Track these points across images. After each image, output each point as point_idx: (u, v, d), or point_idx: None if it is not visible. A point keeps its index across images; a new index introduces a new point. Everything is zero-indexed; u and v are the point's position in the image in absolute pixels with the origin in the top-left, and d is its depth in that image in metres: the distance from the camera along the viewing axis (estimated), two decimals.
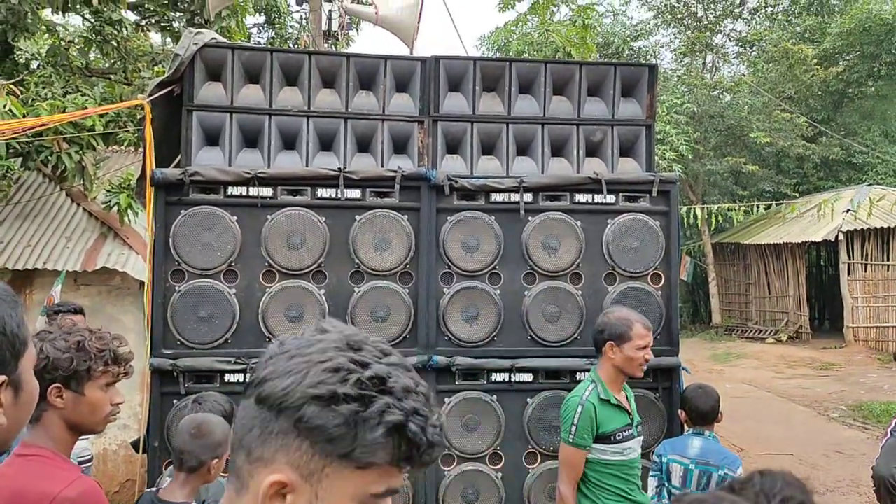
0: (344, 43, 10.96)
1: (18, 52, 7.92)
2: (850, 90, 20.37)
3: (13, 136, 5.18)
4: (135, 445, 3.26)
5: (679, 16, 21.40)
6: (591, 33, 13.79)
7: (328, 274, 3.16)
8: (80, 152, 6.09)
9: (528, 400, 3.22)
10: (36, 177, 7.10)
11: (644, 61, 18.73)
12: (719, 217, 13.93)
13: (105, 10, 7.43)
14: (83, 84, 7.15)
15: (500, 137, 3.40)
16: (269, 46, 10.47)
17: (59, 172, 6.26)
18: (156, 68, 7.71)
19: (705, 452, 3.01)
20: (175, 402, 2.98)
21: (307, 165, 3.24)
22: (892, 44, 18.50)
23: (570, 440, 2.73)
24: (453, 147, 3.39)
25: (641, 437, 2.91)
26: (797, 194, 19.69)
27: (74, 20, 9.90)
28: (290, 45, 12.29)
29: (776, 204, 16.23)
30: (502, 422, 3.18)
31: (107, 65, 8.38)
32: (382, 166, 3.28)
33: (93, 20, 7.73)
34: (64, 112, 5.67)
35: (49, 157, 5.97)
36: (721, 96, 20.31)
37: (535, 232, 3.25)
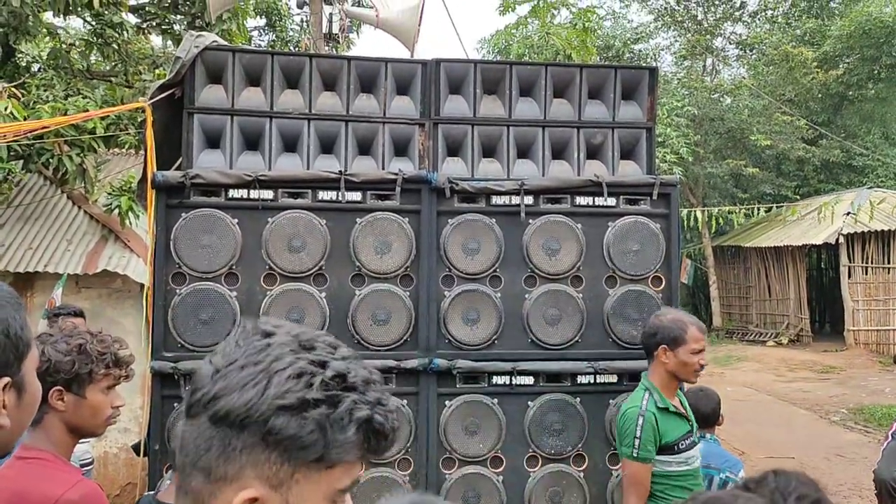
0: (344, 46, 10.97)
1: (20, 55, 7.93)
2: (851, 93, 20.39)
3: (14, 138, 5.19)
4: (135, 448, 3.26)
5: (679, 19, 21.43)
6: (592, 36, 13.80)
7: (329, 277, 3.16)
8: (81, 155, 6.10)
9: (529, 403, 3.21)
10: (37, 179, 7.11)
11: (644, 64, 18.75)
12: (720, 220, 13.95)
13: (106, 13, 7.45)
14: (84, 87, 7.15)
15: (501, 140, 3.40)
16: (270, 49, 10.49)
17: (60, 175, 6.27)
18: (157, 71, 7.73)
19: (707, 455, 3.01)
20: (176, 405, 2.98)
21: (308, 168, 3.24)
22: (893, 46, 18.53)
23: (635, 455, 2.57)
24: (454, 150, 3.39)
25: (701, 443, 2.81)
26: (798, 197, 19.70)
27: (75, 23, 9.92)
28: (291, 48, 12.31)
29: (776, 207, 16.24)
30: (503, 425, 3.18)
31: (108, 67, 8.39)
32: (383, 169, 3.28)
33: (94, 23, 7.74)
34: (65, 115, 5.68)
35: (50, 160, 5.98)
36: (721, 99, 20.34)
37: (536, 234, 3.25)
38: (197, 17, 8.13)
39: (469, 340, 3.19)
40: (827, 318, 19.56)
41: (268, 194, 3.13)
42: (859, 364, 13.87)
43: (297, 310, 3.10)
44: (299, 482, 0.78)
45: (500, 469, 3.20)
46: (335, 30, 8.91)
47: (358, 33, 13.33)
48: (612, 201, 3.31)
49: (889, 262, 15.33)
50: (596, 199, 3.30)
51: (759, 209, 15.42)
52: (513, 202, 3.25)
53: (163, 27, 8.38)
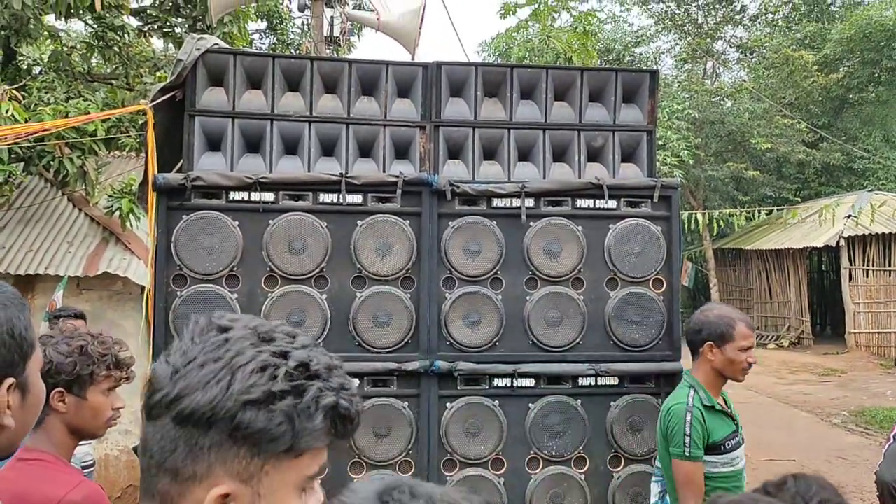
0: (345, 49, 10.99)
1: (21, 58, 7.95)
2: (851, 96, 20.41)
3: (15, 140, 5.20)
4: (136, 451, 3.26)
5: (679, 22, 21.47)
6: (592, 39, 13.82)
7: (330, 279, 3.16)
8: (82, 157, 6.11)
9: (531, 405, 3.21)
10: (38, 182, 7.12)
11: (645, 67, 18.77)
12: (720, 222, 13.95)
13: (107, 15, 7.46)
14: (85, 89, 7.17)
15: (502, 143, 3.40)
16: (271, 52, 10.51)
17: (61, 177, 6.28)
18: (158, 74, 7.74)
19: None
20: None
21: (309, 170, 3.24)
22: (893, 50, 18.55)
23: (687, 454, 2.45)
24: (455, 152, 3.40)
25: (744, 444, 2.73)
26: (798, 200, 19.70)
27: (77, 26, 9.94)
28: (292, 51, 12.33)
29: (777, 209, 16.24)
30: (504, 427, 3.18)
31: (109, 70, 8.41)
32: (384, 171, 3.29)
33: (95, 26, 7.76)
34: (66, 117, 5.68)
35: (51, 162, 5.99)
36: (722, 102, 20.35)
37: (537, 237, 3.25)
38: (198, 20, 8.15)
39: (470, 342, 3.19)
40: (828, 321, 19.55)
41: (269, 196, 3.14)
42: (860, 367, 13.85)
43: (297, 312, 3.10)
44: (269, 473, 0.78)
45: (502, 471, 3.19)
46: (336, 33, 8.92)
47: (359, 36, 13.36)
48: (612, 204, 3.31)
49: (890, 265, 15.33)
50: (597, 201, 3.30)
51: (759, 212, 15.42)
52: (514, 204, 3.25)
53: (164, 30, 8.40)
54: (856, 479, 6.80)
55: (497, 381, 3.20)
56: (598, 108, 3.48)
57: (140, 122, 6.17)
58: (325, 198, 3.17)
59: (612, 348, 3.26)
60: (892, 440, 2.59)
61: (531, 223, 3.26)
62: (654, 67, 18.58)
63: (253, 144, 3.27)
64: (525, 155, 3.43)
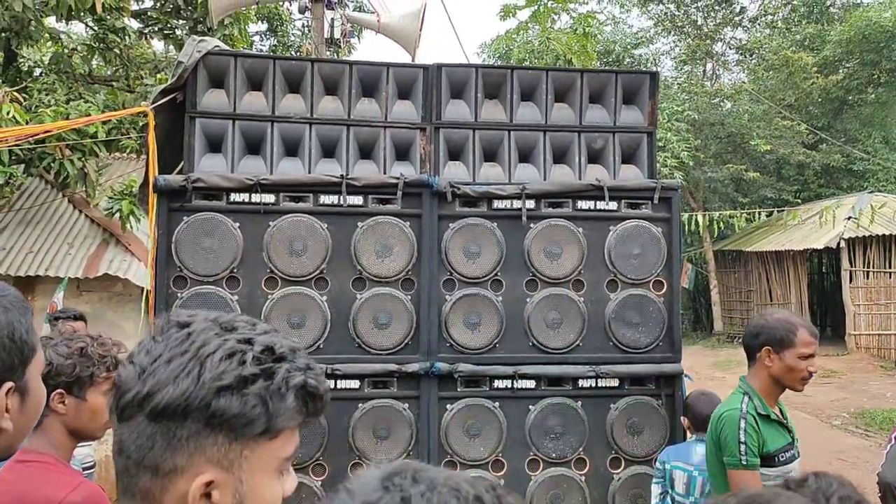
0: (346, 51, 11.00)
1: (22, 60, 7.95)
2: (851, 97, 20.42)
3: (16, 142, 5.20)
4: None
5: (679, 24, 21.48)
6: (592, 41, 13.83)
7: (330, 280, 3.16)
8: (83, 159, 6.11)
9: (531, 407, 3.21)
10: (38, 183, 7.12)
11: (645, 69, 18.79)
12: (721, 224, 13.95)
13: (108, 18, 7.47)
14: (86, 91, 7.18)
15: (502, 144, 3.40)
16: (272, 54, 10.52)
17: (62, 179, 6.28)
18: (158, 76, 7.75)
19: None
20: None
21: (309, 172, 3.25)
22: (892, 51, 18.55)
23: (744, 462, 2.31)
24: (455, 154, 3.40)
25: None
26: (798, 201, 19.69)
27: (78, 28, 9.95)
28: (292, 53, 12.34)
29: (777, 211, 16.23)
30: (504, 429, 3.18)
31: (110, 72, 8.42)
32: (385, 173, 3.29)
33: (96, 28, 7.77)
34: (67, 119, 5.69)
35: (51, 164, 6.00)
36: (721, 104, 20.36)
37: (537, 239, 3.26)
38: (199, 23, 8.16)
39: (470, 344, 3.19)
40: (828, 323, 19.54)
41: (269, 198, 3.14)
42: (860, 368, 13.85)
43: (298, 313, 3.10)
44: (248, 458, 0.81)
45: (502, 473, 3.19)
46: (336, 35, 8.93)
47: (359, 38, 13.36)
48: (613, 205, 3.31)
49: (890, 267, 15.32)
50: (597, 203, 3.30)
51: (759, 213, 15.42)
52: (514, 206, 3.25)
53: (165, 32, 8.41)
54: (856, 480, 6.76)
55: (497, 383, 3.20)
56: (599, 109, 3.48)
57: (141, 123, 6.18)
58: (326, 199, 3.17)
59: (613, 350, 3.26)
60: (893, 441, 2.58)
61: (531, 225, 3.26)
62: (654, 69, 18.58)
63: (253, 146, 3.28)
64: (525, 156, 3.43)
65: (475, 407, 3.18)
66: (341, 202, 3.16)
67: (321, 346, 3.10)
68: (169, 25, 8.40)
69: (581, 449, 3.20)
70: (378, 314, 3.14)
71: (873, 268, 15.39)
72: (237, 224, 3.11)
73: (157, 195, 3.09)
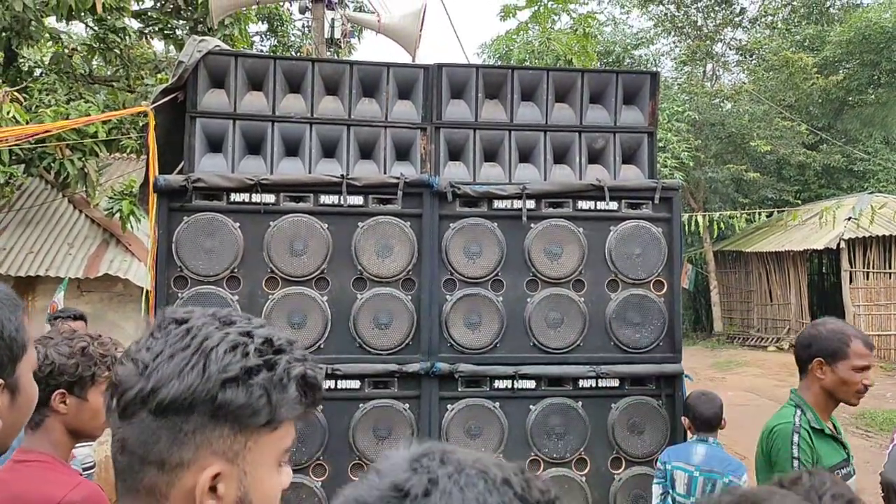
0: (346, 51, 11.00)
1: (22, 60, 7.95)
2: (851, 98, 20.42)
3: (16, 142, 5.20)
4: None
5: (679, 24, 21.48)
6: (592, 42, 13.84)
7: (331, 280, 3.16)
8: (83, 159, 6.11)
9: (531, 407, 3.21)
10: (38, 183, 7.12)
11: (645, 69, 18.76)
12: (721, 224, 13.94)
13: (108, 18, 7.47)
14: (86, 91, 7.18)
15: (503, 144, 3.40)
16: (272, 54, 10.51)
17: (62, 179, 6.29)
18: (159, 76, 7.75)
19: (709, 459, 3.00)
20: None
21: (310, 172, 3.24)
22: (892, 51, 18.56)
23: None
24: (456, 154, 3.40)
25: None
26: (799, 202, 19.69)
27: (78, 28, 9.95)
28: (293, 53, 12.34)
29: (778, 211, 16.23)
30: (505, 429, 3.17)
31: (110, 72, 8.42)
32: (385, 173, 3.29)
33: (96, 28, 7.77)
34: (67, 119, 5.69)
35: (52, 164, 6.00)
36: (721, 104, 20.36)
37: (538, 239, 3.25)
38: (199, 23, 8.17)
39: (471, 344, 3.19)
40: None
41: (270, 198, 3.14)
42: None
43: (298, 313, 3.10)
44: (252, 450, 0.82)
45: None
46: (337, 35, 8.93)
47: (359, 38, 13.37)
48: (613, 205, 3.31)
49: (890, 267, 15.32)
50: (598, 203, 3.30)
51: (760, 214, 15.40)
52: (515, 206, 3.25)
53: (165, 32, 8.42)
54: (856, 480, 6.78)
55: (498, 383, 3.19)
56: (599, 109, 3.48)
57: (141, 123, 6.18)
58: (326, 199, 3.17)
59: (613, 350, 3.26)
60: (895, 441, 2.58)
61: (532, 225, 3.26)
62: (655, 69, 18.58)
63: (254, 146, 3.28)
64: (526, 156, 3.43)
65: (476, 407, 3.17)
66: (342, 202, 3.16)
67: (322, 346, 3.10)
68: (169, 25, 8.40)
69: (582, 449, 3.20)
70: (379, 314, 3.14)
71: (873, 268, 15.39)
72: (237, 224, 3.11)
73: (158, 195, 3.09)
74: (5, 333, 1.00)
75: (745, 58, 22.17)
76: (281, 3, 11.06)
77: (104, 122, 6.11)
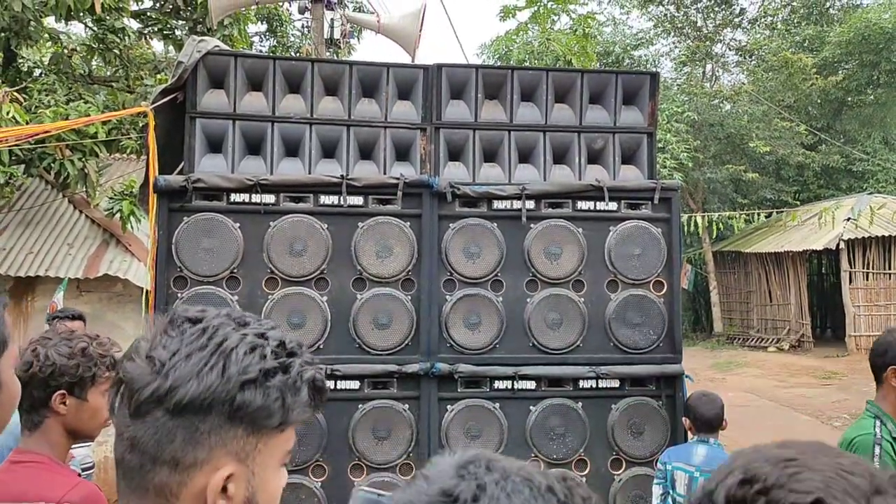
0: (345, 51, 11.00)
1: (21, 60, 7.95)
2: (850, 98, 20.43)
3: (16, 142, 5.20)
4: None
5: (679, 25, 21.50)
6: (592, 42, 13.84)
7: (330, 281, 3.16)
8: (83, 159, 6.11)
9: (531, 408, 3.21)
10: (38, 184, 7.12)
11: (645, 70, 18.78)
12: (720, 225, 13.95)
13: (108, 18, 7.47)
14: (86, 92, 7.18)
15: (502, 145, 3.40)
16: (272, 54, 10.52)
17: (62, 179, 6.28)
18: (158, 76, 7.75)
19: (710, 460, 3.00)
20: None
21: (310, 172, 3.24)
22: (892, 52, 18.57)
23: None
24: (455, 154, 3.40)
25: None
26: (798, 202, 19.70)
27: (77, 28, 9.95)
28: (292, 54, 12.33)
29: (777, 212, 16.24)
30: (505, 430, 3.17)
31: (109, 73, 8.42)
32: (385, 173, 3.29)
33: (95, 28, 7.77)
34: (66, 119, 5.69)
35: (52, 164, 6.00)
36: (721, 105, 20.37)
37: (537, 239, 3.25)
38: (198, 23, 8.16)
39: (470, 345, 3.18)
40: (828, 324, 19.54)
41: (269, 198, 3.14)
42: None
43: (298, 314, 3.10)
44: (261, 451, 0.82)
45: None
46: (336, 35, 8.93)
47: (359, 39, 13.37)
48: (613, 206, 3.31)
49: (890, 268, 15.33)
50: (597, 203, 3.30)
51: (759, 214, 15.42)
52: (514, 206, 3.25)
53: (164, 33, 8.41)
54: None
55: (497, 384, 3.19)
56: (599, 110, 3.48)
57: (141, 124, 6.18)
58: (326, 200, 3.17)
59: (613, 350, 3.26)
60: None
61: (531, 225, 3.26)
62: (654, 70, 18.57)
63: (254, 146, 3.27)
64: (525, 157, 3.43)
65: (475, 408, 3.17)
66: (341, 202, 3.16)
67: (321, 347, 3.10)
68: (168, 26, 8.40)
69: (582, 450, 3.20)
70: (378, 314, 3.14)
71: (873, 269, 15.40)
72: (237, 224, 3.11)
73: (158, 195, 3.09)
74: None
75: (745, 58, 22.19)
76: (280, 4, 11.06)
77: (104, 123, 6.11)
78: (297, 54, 12.10)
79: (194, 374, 0.79)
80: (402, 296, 3.17)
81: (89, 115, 5.81)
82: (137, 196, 4.71)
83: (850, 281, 15.43)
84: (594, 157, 3.46)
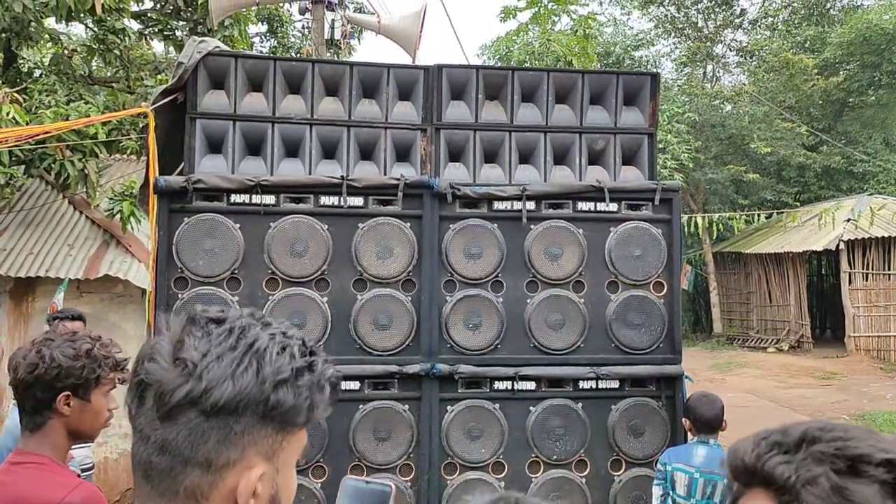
0: (346, 52, 11.00)
1: (22, 61, 7.96)
2: (851, 99, 20.43)
3: (16, 143, 5.20)
4: None
5: (679, 26, 21.49)
6: (592, 43, 13.85)
7: (331, 281, 3.16)
8: (83, 160, 6.11)
9: (531, 408, 3.21)
10: (38, 184, 7.12)
11: (645, 70, 18.77)
12: (720, 226, 13.94)
13: (108, 19, 7.47)
14: (86, 92, 7.18)
15: (503, 145, 3.40)
16: (273, 55, 10.51)
17: (62, 180, 6.28)
18: (159, 77, 7.75)
19: (710, 461, 3.00)
20: None
21: (310, 173, 3.24)
22: (893, 53, 18.56)
23: None
24: (456, 155, 3.40)
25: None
26: (798, 203, 19.69)
27: (77, 29, 9.95)
28: (293, 55, 12.34)
29: (777, 213, 16.23)
30: (505, 430, 3.17)
31: (110, 73, 8.42)
32: (385, 174, 3.29)
33: (96, 29, 7.77)
34: (67, 120, 5.69)
35: (52, 165, 5.99)
36: (722, 106, 20.37)
37: (538, 240, 3.25)
38: (199, 24, 8.16)
39: (471, 345, 3.18)
40: (828, 325, 19.54)
41: (270, 199, 3.14)
42: (860, 370, 13.84)
43: (298, 314, 3.10)
44: (285, 448, 0.84)
45: (502, 475, 3.19)
46: (337, 36, 8.93)
47: (359, 39, 13.36)
48: (613, 207, 3.31)
49: (890, 269, 15.32)
50: (598, 204, 3.30)
51: (759, 215, 15.41)
52: (515, 207, 3.25)
53: (165, 33, 8.41)
54: None
55: (498, 384, 3.19)
56: (599, 110, 3.48)
57: (141, 124, 6.18)
58: (327, 200, 3.17)
59: (613, 351, 3.26)
60: None
61: (532, 226, 3.26)
62: (655, 71, 18.57)
63: (254, 147, 3.28)
64: (526, 158, 3.43)
65: (476, 408, 3.17)
66: (342, 203, 3.16)
67: (322, 348, 3.09)
68: (169, 26, 8.40)
69: (582, 451, 3.20)
70: (379, 315, 3.14)
71: (872, 270, 15.39)
72: (238, 225, 3.11)
73: (158, 196, 3.09)
74: None
75: (746, 59, 22.19)
76: (281, 4, 11.06)
77: (104, 124, 6.11)
78: (298, 55, 12.10)
79: (229, 375, 0.79)
80: (403, 296, 3.17)
81: (89, 116, 5.81)
82: (138, 197, 4.71)
83: (850, 282, 15.42)
84: (595, 158, 3.47)
